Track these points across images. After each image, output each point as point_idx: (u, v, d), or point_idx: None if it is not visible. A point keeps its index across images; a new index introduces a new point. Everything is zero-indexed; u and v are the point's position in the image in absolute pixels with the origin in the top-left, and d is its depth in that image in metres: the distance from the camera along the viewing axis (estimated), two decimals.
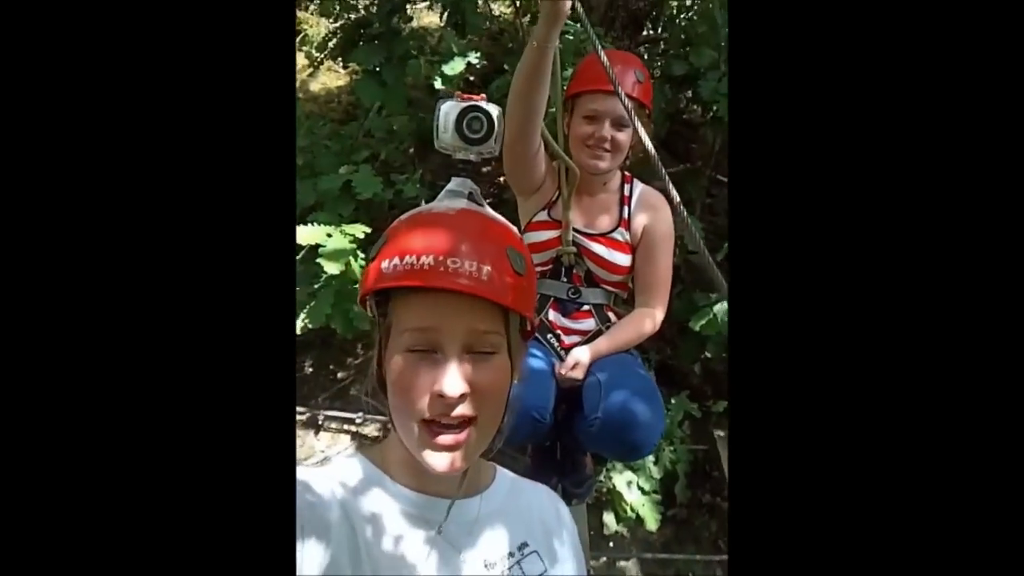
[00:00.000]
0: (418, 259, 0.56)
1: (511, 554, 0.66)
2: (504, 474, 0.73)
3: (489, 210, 0.66)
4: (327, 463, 0.67)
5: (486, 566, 0.63)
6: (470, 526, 0.65)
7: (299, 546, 0.54)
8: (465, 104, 0.63)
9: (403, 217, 0.65)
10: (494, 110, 0.64)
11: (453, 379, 0.56)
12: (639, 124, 0.89)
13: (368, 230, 1.95)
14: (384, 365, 0.62)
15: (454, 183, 0.66)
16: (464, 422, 0.58)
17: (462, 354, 0.58)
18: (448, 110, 0.64)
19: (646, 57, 2.33)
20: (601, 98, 1.30)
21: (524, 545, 0.67)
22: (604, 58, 0.89)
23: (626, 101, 0.89)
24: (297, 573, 0.52)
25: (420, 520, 0.63)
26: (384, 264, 0.59)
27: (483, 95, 0.65)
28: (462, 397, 0.57)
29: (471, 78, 2.16)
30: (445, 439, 0.58)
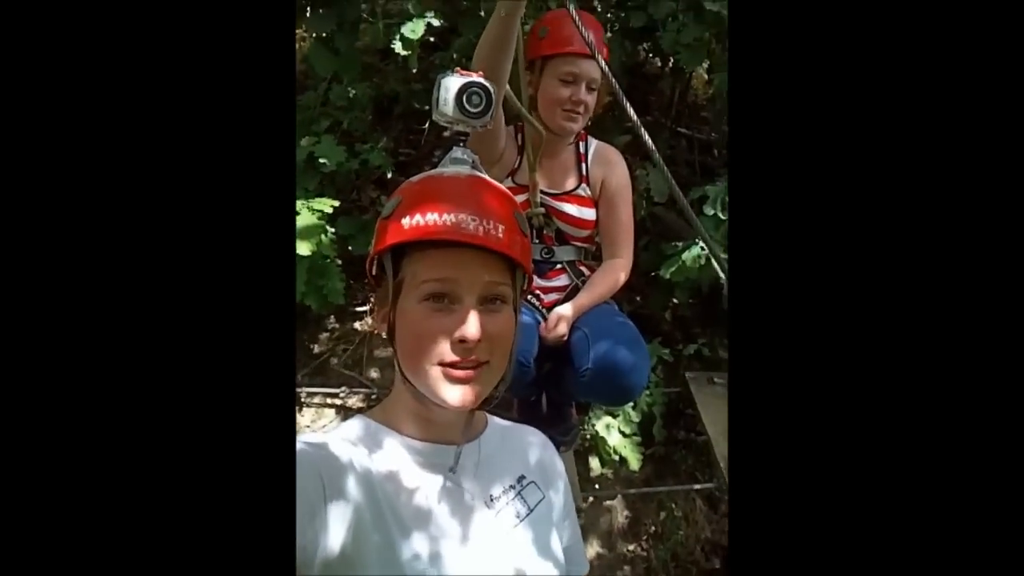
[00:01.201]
0: (440, 216, 0.61)
1: (512, 487, 0.73)
2: (495, 420, 0.81)
3: (490, 178, 0.70)
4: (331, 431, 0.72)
5: (492, 499, 0.71)
6: (474, 468, 0.71)
7: (325, 505, 0.58)
8: (465, 79, 0.65)
9: (414, 179, 0.69)
10: (491, 86, 0.66)
11: (473, 323, 0.62)
12: (617, 85, 0.92)
13: (336, 203, 1.92)
14: (395, 317, 0.67)
15: (457, 151, 0.70)
16: (478, 364, 0.64)
17: (477, 304, 0.63)
18: (449, 85, 0.66)
19: (599, 9, 2.31)
20: (578, 61, 1.32)
21: (522, 478, 0.75)
22: (579, 20, 0.91)
23: (603, 65, 0.92)
24: (326, 529, 0.57)
25: (430, 467, 0.69)
26: (404, 221, 0.63)
27: (480, 71, 0.67)
28: (479, 342, 0.63)
29: (431, 39, 2.11)
30: (460, 373, 0.64)
